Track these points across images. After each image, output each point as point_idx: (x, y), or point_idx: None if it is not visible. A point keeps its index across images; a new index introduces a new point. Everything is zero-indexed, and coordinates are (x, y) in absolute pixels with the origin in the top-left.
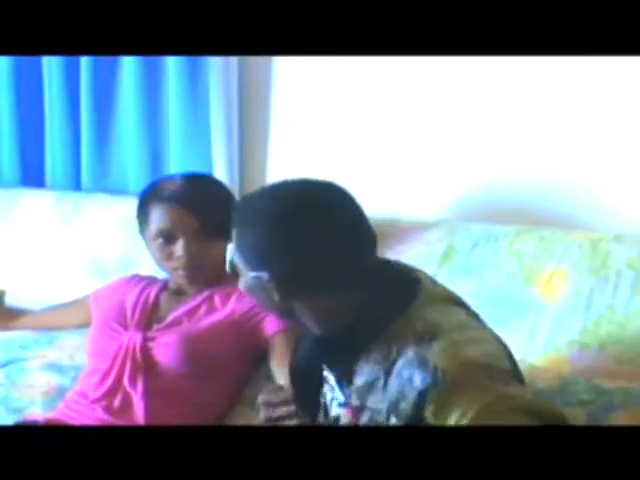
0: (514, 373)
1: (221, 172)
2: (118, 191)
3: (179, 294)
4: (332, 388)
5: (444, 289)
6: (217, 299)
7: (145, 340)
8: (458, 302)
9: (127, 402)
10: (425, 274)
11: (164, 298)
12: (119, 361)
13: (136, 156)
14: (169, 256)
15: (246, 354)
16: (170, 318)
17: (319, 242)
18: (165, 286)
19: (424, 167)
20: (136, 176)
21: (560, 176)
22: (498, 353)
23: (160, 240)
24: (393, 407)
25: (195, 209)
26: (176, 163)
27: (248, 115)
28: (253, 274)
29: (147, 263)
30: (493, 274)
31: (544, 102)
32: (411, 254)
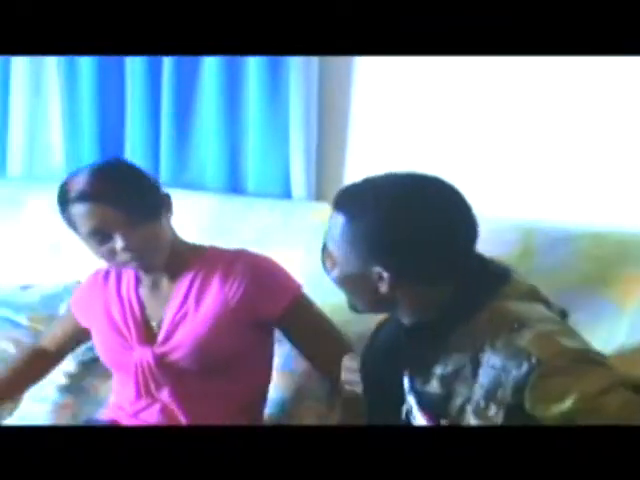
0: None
1: (298, 171)
2: (196, 187)
3: (155, 287)
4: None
5: (532, 286)
6: (197, 288)
7: (156, 356)
8: (546, 301)
9: (167, 411)
10: (514, 269)
11: (146, 297)
12: (141, 377)
13: (215, 153)
14: (112, 252)
15: (259, 337)
16: (167, 323)
17: (434, 235)
18: (137, 279)
19: (504, 166)
20: (214, 172)
21: None
22: (588, 344)
23: (96, 240)
24: (491, 396)
25: (113, 201)
26: (254, 160)
27: (327, 114)
28: (360, 264)
29: None
30: (570, 277)
31: None
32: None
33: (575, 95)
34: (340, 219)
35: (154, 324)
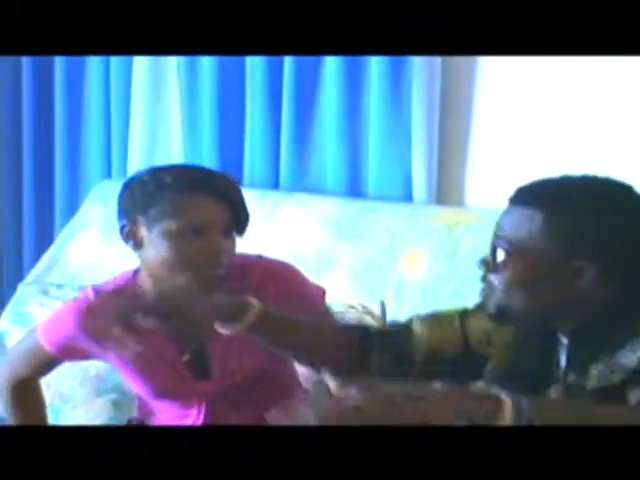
0: None
1: (419, 174)
2: (316, 190)
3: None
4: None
5: None
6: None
7: (220, 387)
8: None
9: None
10: None
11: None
12: (200, 407)
13: (335, 156)
14: (196, 252)
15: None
16: (218, 353)
17: (631, 237)
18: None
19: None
20: (335, 176)
21: None
22: None
23: (187, 235)
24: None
25: (232, 201)
26: (375, 164)
27: (450, 118)
28: (557, 260)
29: (347, 261)
30: None
31: None
32: None
33: None
34: (538, 215)
35: (187, 356)
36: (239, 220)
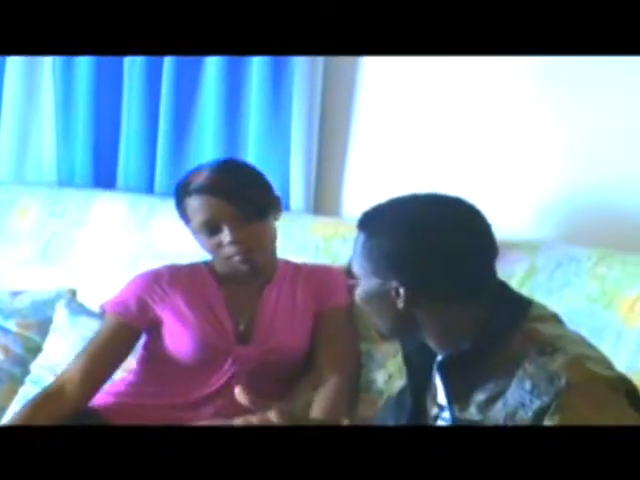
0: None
1: (297, 183)
2: None
3: (237, 287)
4: (441, 408)
5: (552, 310)
6: (285, 295)
7: (257, 355)
8: (564, 323)
9: (224, 411)
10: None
11: (227, 297)
12: (230, 374)
13: (213, 156)
14: (219, 245)
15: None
16: (265, 325)
17: (452, 254)
18: (215, 278)
19: (506, 183)
20: None
21: None
22: (619, 372)
23: (206, 232)
24: (510, 418)
25: (228, 196)
26: None
27: (329, 120)
28: (378, 281)
29: None
30: (574, 296)
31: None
32: None
33: (584, 106)
34: (361, 237)
35: (242, 325)
36: (244, 210)
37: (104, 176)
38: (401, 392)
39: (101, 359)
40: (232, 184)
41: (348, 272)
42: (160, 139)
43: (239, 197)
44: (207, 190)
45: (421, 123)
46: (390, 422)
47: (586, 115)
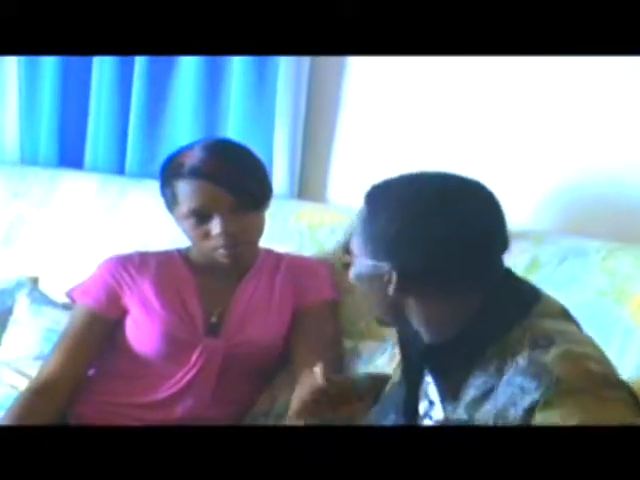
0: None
1: (281, 158)
2: None
3: (212, 278)
4: (431, 403)
5: (563, 305)
6: (264, 286)
7: (225, 348)
8: (575, 320)
9: (195, 409)
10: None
11: (200, 287)
12: (198, 369)
13: (189, 141)
14: (205, 235)
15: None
16: (236, 317)
17: (455, 240)
18: (188, 266)
19: (507, 173)
20: None
21: None
22: (616, 371)
23: (193, 219)
24: (500, 415)
25: (228, 184)
26: None
27: (317, 98)
28: (372, 262)
29: None
30: (582, 291)
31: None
32: None
33: (582, 98)
34: (364, 212)
35: (214, 317)
36: (243, 200)
37: (70, 155)
38: (397, 384)
39: (78, 354)
40: (233, 171)
41: (346, 249)
42: (132, 116)
43: (239, 187)
44: (204, 175)
45: (415, 104)
46: (383, 416)
47: (592, 104)
